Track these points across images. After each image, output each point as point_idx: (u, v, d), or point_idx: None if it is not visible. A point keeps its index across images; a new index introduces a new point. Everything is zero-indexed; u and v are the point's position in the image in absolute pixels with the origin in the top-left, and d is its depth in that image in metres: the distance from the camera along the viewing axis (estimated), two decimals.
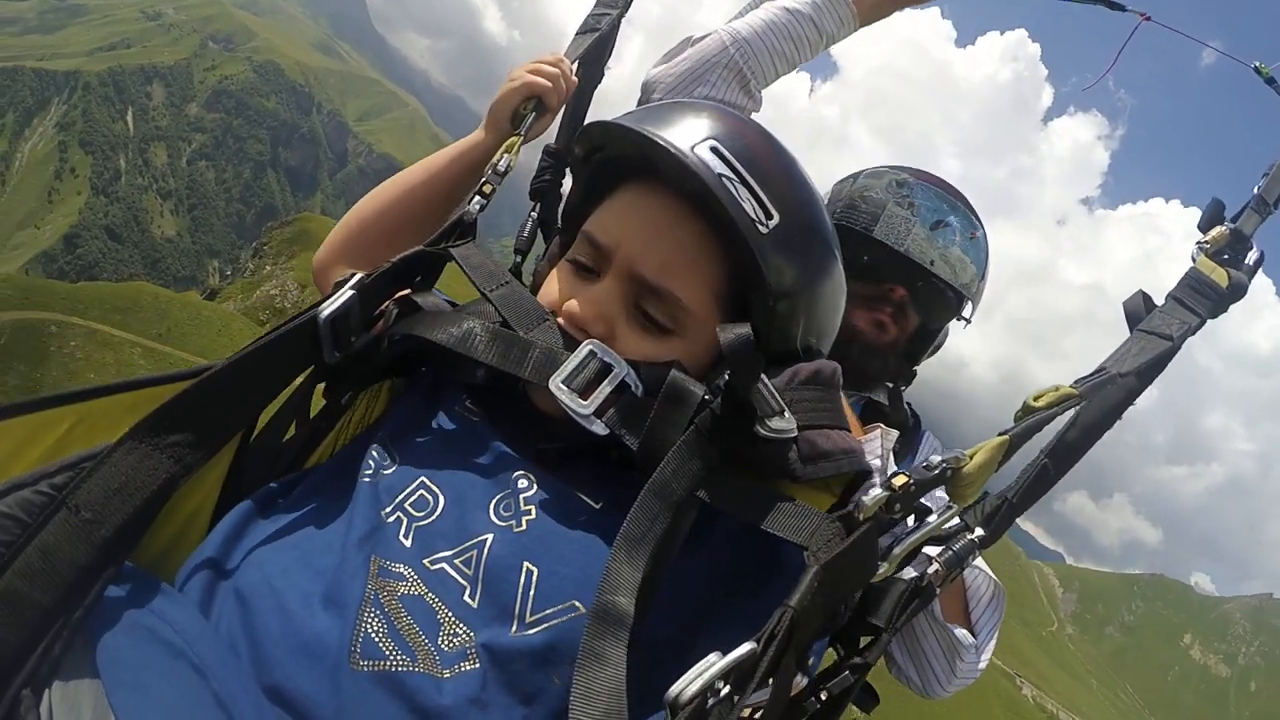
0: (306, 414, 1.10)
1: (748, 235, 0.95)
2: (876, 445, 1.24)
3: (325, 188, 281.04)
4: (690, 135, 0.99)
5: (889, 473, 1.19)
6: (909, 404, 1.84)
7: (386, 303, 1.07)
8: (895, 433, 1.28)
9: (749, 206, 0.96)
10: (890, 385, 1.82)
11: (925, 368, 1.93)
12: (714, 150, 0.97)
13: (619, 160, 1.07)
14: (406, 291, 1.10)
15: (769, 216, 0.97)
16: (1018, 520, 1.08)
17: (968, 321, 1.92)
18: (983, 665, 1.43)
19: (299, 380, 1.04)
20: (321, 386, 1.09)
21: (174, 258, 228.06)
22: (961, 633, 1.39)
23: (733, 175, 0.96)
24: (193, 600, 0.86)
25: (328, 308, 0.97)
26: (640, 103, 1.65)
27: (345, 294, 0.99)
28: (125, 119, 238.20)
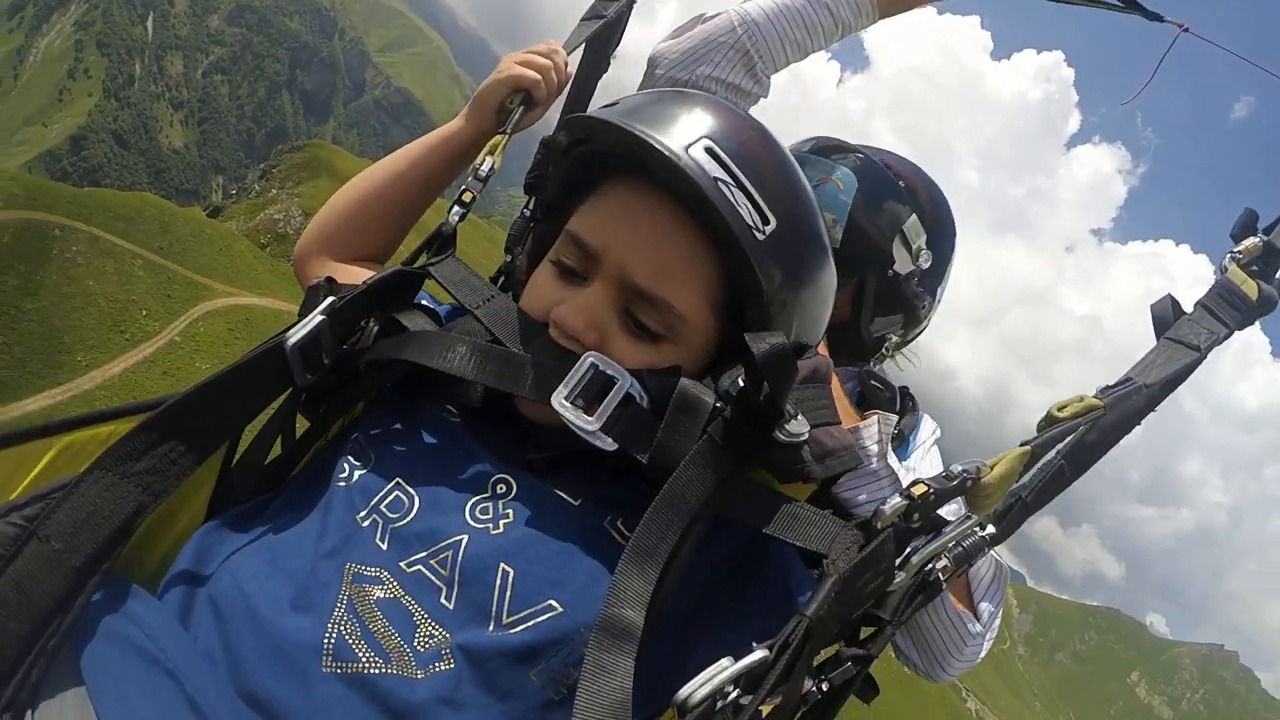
0: (292, 433, 1.09)
1: (744, 242, 0.92)
2: (874, 431, 1.20)
3: (339, 115, 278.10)
4: (683, 135, 0.94)
5: (888, 459, 1.17)
6: (904, 387, 1.77)
7: (364, 320, 1.05)
8: (894, 418, 1.23)
9: (745, 212, 0.92)
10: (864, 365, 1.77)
11: (909, 372, 1.87)
12: (709, 151, 0.93)
13: (605, 154, 1.02)
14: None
15: (765, 222, 0.93)
16: None
17: (894, 267, 1.72)
18: (987, 647, 1.43)
19: (280, 400, 1.02)
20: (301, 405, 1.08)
21: (179, 170, 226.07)
22: (968, 619, 1.39)
23: (729, 179, 0.92)
24: (172, 610, 0.87)
25: (294, 335, 0.96)
26: (645, 76, 1.63)
27: (314, 319, 0.97)
28: (145, 24, 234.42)
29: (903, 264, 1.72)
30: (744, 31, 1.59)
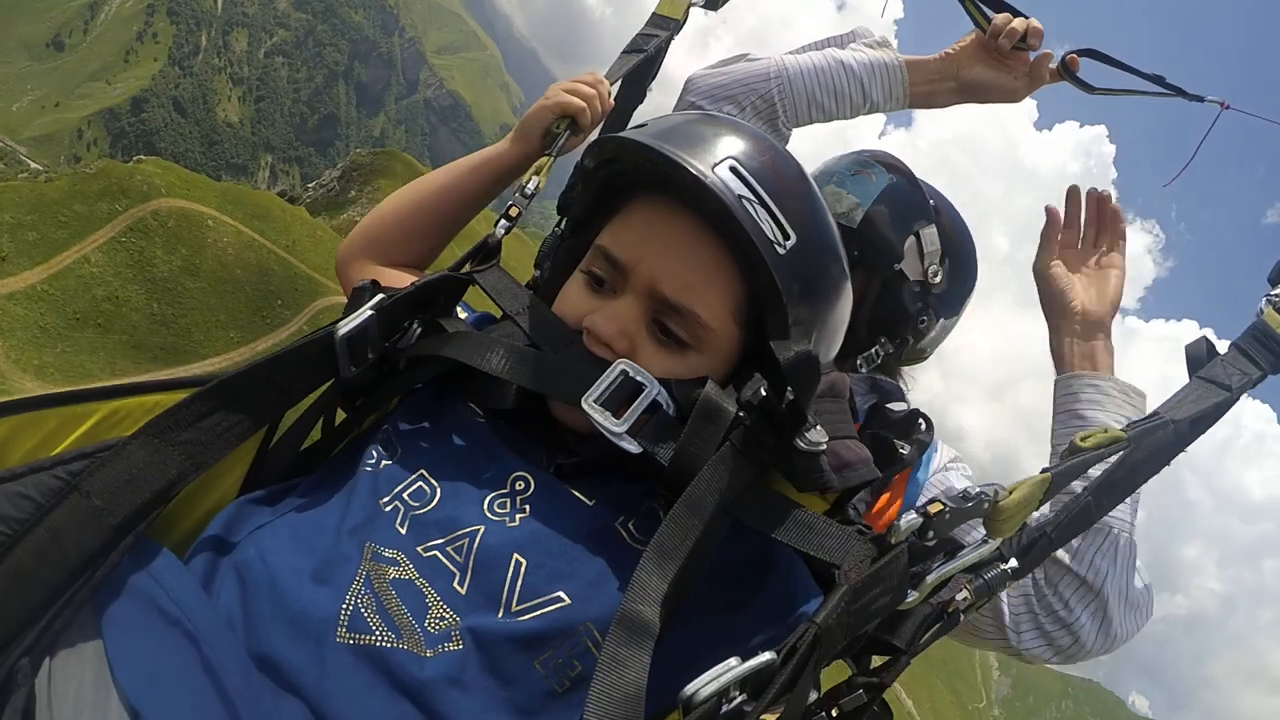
0: (331, 421, 1.14)
1: (766, 256, 0.95)
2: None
3: (390, 111, 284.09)
4: (710, 155, 0.98)
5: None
6: (916, 409, 1.62)
7: (408, 321, 1.10)
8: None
9: (767, 228, 0.96)
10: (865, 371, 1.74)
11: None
12: (734, 170, 0.97)
13: (633, 173, 1.07)
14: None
15: (786, 237, 0.97)
16: None
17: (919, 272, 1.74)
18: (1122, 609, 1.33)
19: (322, 390, 1.08)
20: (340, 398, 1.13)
21: (231, 143, 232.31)
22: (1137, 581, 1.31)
23: (752, 196, 0.96)
24: (196, 576, 0.90)
25: (344, 326, 1.00)
26: (678, 98, 1.71)
27: (364, 314, 1.02)
28: None
29: (911, 267, 1.73)
30: (777, 84, 1.64)
